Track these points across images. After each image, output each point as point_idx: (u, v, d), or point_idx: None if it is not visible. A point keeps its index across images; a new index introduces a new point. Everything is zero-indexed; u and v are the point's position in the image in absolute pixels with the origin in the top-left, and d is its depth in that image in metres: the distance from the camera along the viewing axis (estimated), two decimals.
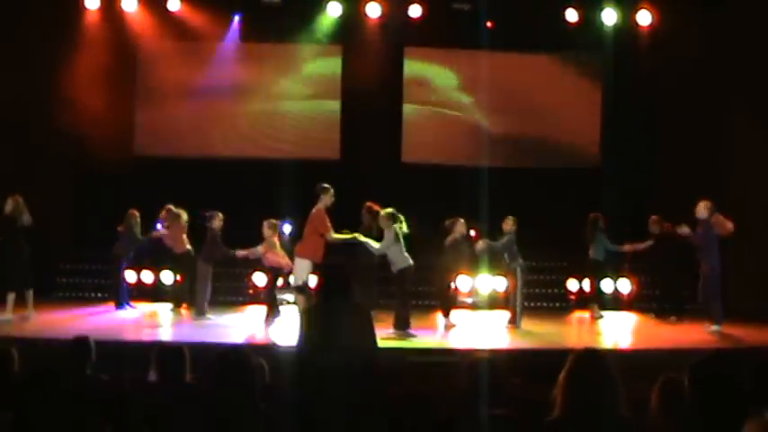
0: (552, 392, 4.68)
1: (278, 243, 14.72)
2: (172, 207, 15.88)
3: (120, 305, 15.77)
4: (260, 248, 14.61)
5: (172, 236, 15.87)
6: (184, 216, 15.82)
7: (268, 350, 11.06)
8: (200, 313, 14.77)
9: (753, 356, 5.16)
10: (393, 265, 13.60)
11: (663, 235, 16.15)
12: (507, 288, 15.29)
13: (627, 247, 16.43)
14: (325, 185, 13.93)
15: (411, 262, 13.58)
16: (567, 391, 4.59)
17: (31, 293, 14.39)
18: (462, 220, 15.04)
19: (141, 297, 16.82)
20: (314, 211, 13.82)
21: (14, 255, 14.21)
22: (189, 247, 15.86)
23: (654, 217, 16.51)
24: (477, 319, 15.75)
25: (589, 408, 4.53)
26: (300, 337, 6.77)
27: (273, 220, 14.73)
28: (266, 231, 14.58)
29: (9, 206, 14.19)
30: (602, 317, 16.00)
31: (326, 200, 13.86)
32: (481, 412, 5.21)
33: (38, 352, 8.86)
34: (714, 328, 14.22)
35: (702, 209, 14.43)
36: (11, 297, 14.15)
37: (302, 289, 13.72)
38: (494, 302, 16.90)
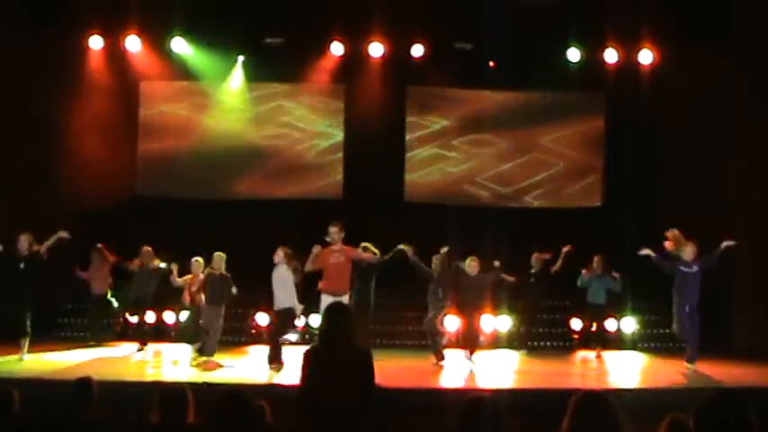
0: None
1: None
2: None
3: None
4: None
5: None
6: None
7: (269, 391, 11.00)
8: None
9: (758, 397, 5.10)
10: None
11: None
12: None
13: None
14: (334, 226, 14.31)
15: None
16: None
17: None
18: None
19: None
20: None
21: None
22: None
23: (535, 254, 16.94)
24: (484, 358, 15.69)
25: None
26: (301, 378, 6.74)
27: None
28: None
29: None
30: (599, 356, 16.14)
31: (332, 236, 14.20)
32: None
33: (39, 393, 8.79)
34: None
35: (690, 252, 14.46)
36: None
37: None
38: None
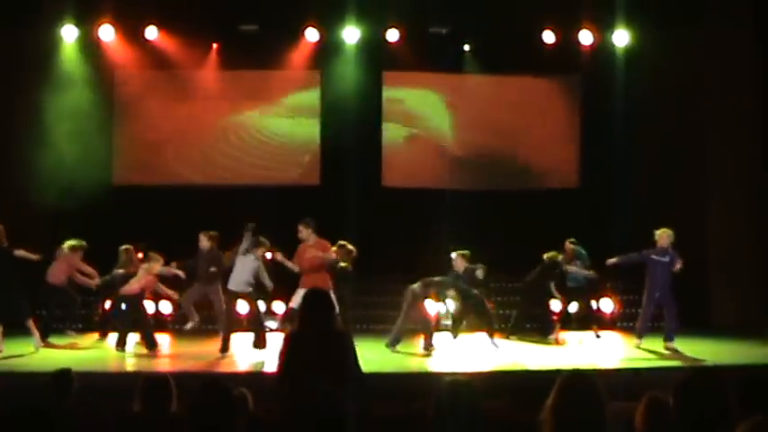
0: (540, 416, 4.67)
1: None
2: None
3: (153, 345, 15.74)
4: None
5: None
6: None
7: (251, 378, 11.02)
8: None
9: (737, 373, 5.15)
10: None
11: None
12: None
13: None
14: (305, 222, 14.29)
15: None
16: (557, 414, 4.58)
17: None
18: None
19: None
20: (300, 249, 14.25)
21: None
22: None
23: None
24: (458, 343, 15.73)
25: (580, 431, 4.53)
26: (279, 362, 6.77)
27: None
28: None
29: None
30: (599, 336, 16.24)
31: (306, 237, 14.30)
32: None
33: (18, 386, 8.78)
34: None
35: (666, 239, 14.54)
36: None
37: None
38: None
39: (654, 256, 14.47)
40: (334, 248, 14.52)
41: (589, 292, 16.88)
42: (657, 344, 14.64)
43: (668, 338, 14.56)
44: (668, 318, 14.67)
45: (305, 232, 14.29)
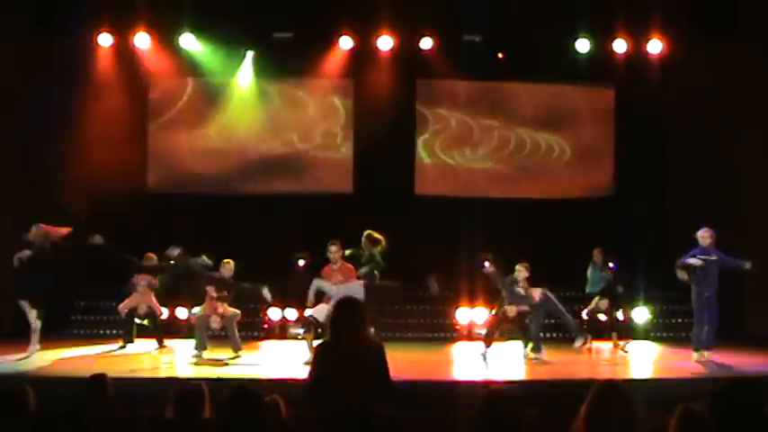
0: (573, 425, 4.65)
1: None
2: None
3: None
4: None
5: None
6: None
7: (285, 385, 11.03)
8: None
9: None
10: None
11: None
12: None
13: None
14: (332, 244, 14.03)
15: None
16: (590, 423, 4.56)
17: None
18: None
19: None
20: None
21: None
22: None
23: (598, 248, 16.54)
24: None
25: None
26: (310, 372, 6.78)
27: None
28: None
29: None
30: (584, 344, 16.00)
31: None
32: None
33: (54, 390, 8.83)
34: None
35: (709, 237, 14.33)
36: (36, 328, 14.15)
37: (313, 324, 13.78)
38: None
39: (700, 256, 14.26)
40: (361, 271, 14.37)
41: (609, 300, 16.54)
42: (690, 354, 14.49)
43: (706, 346, 14.32)
44: (710, 322, 14.41)
45: (336, 254, 13.91)
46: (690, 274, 14.28)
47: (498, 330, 15.03)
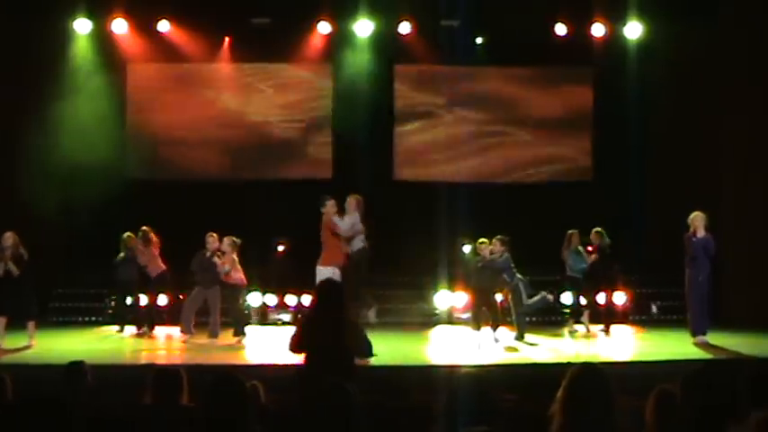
0: (550, 408, 4.67)
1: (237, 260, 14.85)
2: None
3: (146, 328, 15.76)
4: (226, 266, 14.69)
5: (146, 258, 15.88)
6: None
7: (263, 371, 11.03)
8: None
9: (745, 367, 5.14)
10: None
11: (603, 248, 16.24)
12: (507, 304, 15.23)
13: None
14: (325, 196, 13.94)
15: None
16: (567, 406, 4.58)
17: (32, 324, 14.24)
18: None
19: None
20: (324, 219, 13.82)
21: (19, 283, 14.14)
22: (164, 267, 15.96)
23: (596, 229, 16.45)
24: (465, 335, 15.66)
25: (590, 423, 4.53)
26: (292, 343, 7.02)
27: (235, 239, 14.80)
28: (227, 249, 14.75)
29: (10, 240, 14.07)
30: (575, 332, 16.07)
31: (330, 209, 13.84)
32: (459, 430, 5.17)
33: (32, 378, 8.81)
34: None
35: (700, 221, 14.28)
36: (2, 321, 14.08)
37: None
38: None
39: (694, 239, 14.23)
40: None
41: (589, 284, 16.58)
42: (668, 337, 14.56)
43: (703, 331, 14.34)
44: (704, 305, 14.33)
45: (328, 204, 13.89)
46: (688, 259, 14.30)
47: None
